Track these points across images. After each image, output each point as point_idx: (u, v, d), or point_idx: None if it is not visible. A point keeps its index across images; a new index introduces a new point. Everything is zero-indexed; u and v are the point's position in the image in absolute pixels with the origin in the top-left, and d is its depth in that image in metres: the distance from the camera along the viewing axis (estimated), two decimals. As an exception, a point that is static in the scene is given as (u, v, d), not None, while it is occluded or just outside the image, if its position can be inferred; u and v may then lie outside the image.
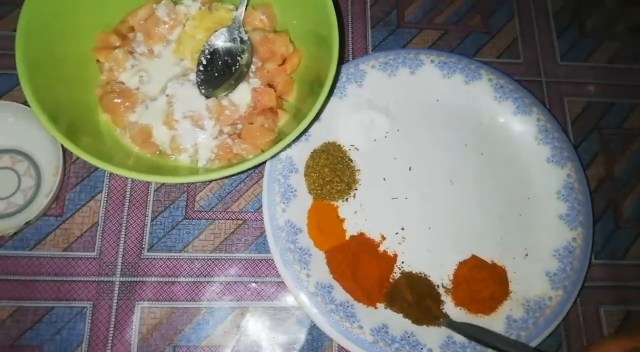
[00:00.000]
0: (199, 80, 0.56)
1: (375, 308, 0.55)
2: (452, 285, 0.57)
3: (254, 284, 0.57)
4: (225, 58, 0.57)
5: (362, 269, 0.55)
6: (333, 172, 0.58)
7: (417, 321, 0.54)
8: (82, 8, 0.54)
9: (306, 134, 0.60)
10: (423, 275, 0.57)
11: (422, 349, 0.53)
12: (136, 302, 0.55)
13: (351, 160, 0.61)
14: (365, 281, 0.55)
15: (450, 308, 0.56)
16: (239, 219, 0.60)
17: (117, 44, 0.57)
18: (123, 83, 0.57)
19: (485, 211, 0.60)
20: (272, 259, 0.56)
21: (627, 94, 0.70)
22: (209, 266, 0.57)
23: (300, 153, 0.59)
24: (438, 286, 0.57)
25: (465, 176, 0.61)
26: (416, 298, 0.55)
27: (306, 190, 0.58)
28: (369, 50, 0.68)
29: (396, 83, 0.63)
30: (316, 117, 0.49)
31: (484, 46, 0.70)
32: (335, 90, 0.62)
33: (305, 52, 0.59)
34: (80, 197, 0.59)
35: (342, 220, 0.58)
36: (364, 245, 0.58)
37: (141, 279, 0.56)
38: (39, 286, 0.55)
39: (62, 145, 0.56)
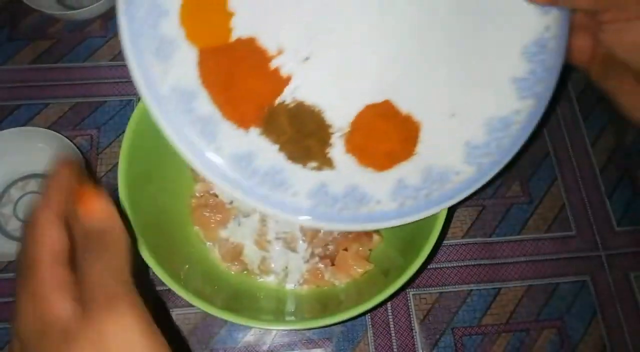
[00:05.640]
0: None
1: (247, 131, 0.43)
2: (349, 128, 0.46)
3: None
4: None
5: (240, 83, 0.44)
6: None
7: (293, 159, 0.45)
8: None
9: None
10: (317, 109, 0.46)
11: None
12: (170, 310, 0.56)
13: None
14: (239, 98, 0.44)
15: (339, 154, 0.45)
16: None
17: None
18: (217, 196, 0.57)
19: (423, 48, 0.46)
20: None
21: None
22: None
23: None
24: (332, 126, 0.46)
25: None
26: (296, 134, 0.45)
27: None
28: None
29: None
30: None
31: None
32: None
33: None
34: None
35: (231, 14, 0.44)
36: (251, 55, 0.45)
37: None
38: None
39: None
